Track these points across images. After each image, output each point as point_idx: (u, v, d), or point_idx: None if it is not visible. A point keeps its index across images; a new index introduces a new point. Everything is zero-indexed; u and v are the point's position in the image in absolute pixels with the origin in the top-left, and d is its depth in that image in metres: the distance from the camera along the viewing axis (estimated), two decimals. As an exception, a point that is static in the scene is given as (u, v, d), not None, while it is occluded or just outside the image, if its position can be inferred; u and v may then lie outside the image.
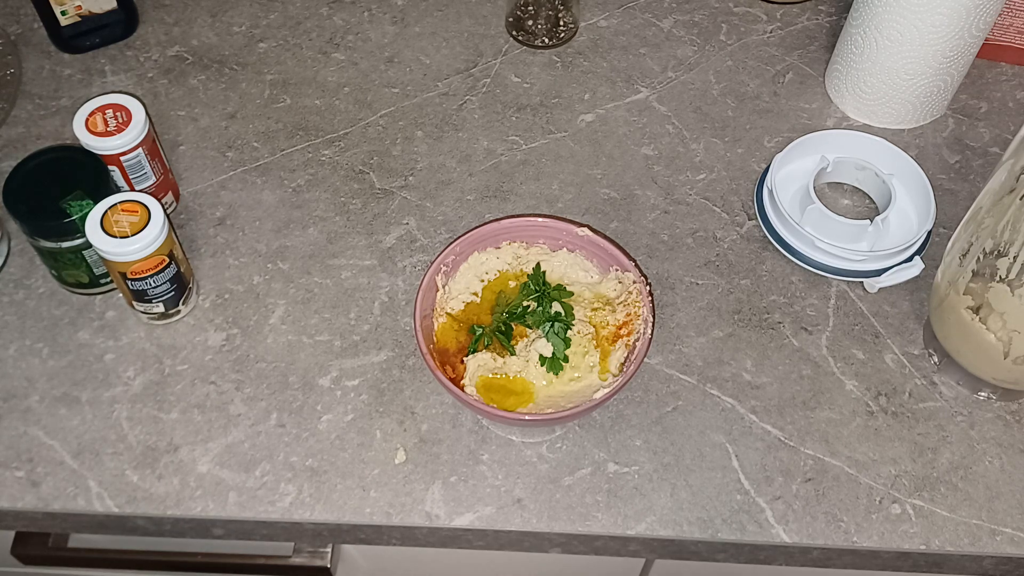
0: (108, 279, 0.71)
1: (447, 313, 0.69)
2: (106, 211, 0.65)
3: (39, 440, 0.66)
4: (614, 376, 0.66)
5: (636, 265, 0.68)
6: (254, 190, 0.78)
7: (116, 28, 0.87)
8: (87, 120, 0.70)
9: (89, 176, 0.68)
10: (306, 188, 0.79)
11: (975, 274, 0.63)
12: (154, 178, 0.73)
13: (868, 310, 0.73)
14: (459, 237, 0.70)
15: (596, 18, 0.90)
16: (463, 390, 0.65)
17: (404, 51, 0.88)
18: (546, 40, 0.88)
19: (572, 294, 0.69)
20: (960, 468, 0.66)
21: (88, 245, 0.67)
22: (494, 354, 0.67)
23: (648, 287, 0.68)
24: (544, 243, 0.72)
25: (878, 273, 0.73)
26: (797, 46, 0.88)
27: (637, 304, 0.67)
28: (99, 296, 0.73)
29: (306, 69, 0.86)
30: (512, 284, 0.70)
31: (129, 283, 0.67)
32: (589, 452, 0.66)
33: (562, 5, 0.87)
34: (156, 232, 0.65)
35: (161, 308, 0.69)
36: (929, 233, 0.74)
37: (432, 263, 0.68)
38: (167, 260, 0.67)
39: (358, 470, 0.65)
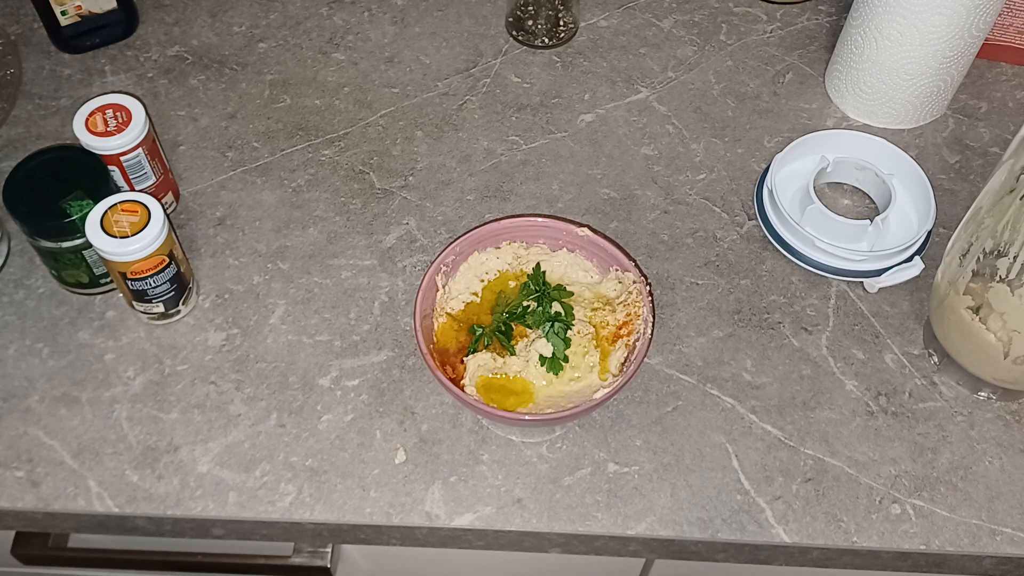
0: (108, 279, 0.71)
1: (447, 313, 0.69)
2: (106, 211, 0.65)
3: (39, 440, 0.66)
4: (614, 376, 0.66)
5: (636, 265, 0.68)
6: (254, 190, 0.78)
7: (116, 28, 0.87)
8: (87, 120, 0.70)
9: (89, 176, 0.68)
10: (306, 188, 0.79)
11: (975, 274, 0.63)
12: (154, 178, 0.73)
13: (868, 310, 0.73)
14: (459, 237, 0.70)
15: (596, 18, 0.90)
16: (463, 390, 0.64)
17: (404, 51, 0.88)
18: (546, 40, 0.88)
19: (572, 294, 0.69)
20: (960, 468, 0.66)
21: (88, 245, 0.67)
22: (494, 354, 0.67)
23: (648, 287, 0.68)
24: (544, 243, 0.72)
25: (878, 273, 0.73)
26: (797, 46, 0.88)
27: (637, 304, 0.67)
28: (99, 296, 0.73)
29: (306, 69, 0.86)
30: (512, 284, 0.70)
31: (129, 283, 0.67)
32: (589, 452, 0.66)
33: (562, 5, 0.87)
34: (156, 232, 0.65)
35: (161, 308, 0.69)
36: (929, 233, 0.74)
37: (432, 263, 0.68)
38: (167, 260, 0.67)
39: (358, 470, 0.65)
